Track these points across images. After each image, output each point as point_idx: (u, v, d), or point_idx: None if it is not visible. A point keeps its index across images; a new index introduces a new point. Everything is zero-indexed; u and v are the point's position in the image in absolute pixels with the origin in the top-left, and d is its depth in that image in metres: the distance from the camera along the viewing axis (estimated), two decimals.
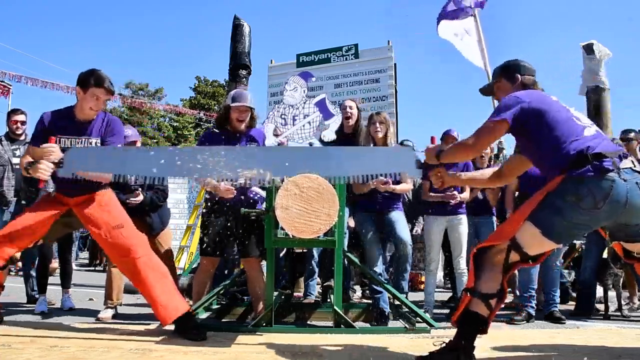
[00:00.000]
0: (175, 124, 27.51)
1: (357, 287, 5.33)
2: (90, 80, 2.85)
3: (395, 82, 8.44)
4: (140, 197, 3.72)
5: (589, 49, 7.03)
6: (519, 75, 2.43)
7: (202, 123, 25.55)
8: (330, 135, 3.33)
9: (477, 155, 2.30)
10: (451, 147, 2.46)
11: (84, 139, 2.94)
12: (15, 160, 4.45)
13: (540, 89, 2.43)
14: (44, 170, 2.64)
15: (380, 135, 3.63)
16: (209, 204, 3.41)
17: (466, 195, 3.97)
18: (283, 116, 3.33)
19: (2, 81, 13.03)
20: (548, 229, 2.07)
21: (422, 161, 2.53)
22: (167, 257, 3.74)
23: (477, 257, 2.22)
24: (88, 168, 2.74)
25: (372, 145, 3.65)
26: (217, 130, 3.42)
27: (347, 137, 3.93)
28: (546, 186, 2.15)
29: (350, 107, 3.88)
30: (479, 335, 2.19)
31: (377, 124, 3.63)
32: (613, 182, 1.97)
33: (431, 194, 3.93)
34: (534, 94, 2.29)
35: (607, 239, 2.35)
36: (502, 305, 2.27)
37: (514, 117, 2.19)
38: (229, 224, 3.27)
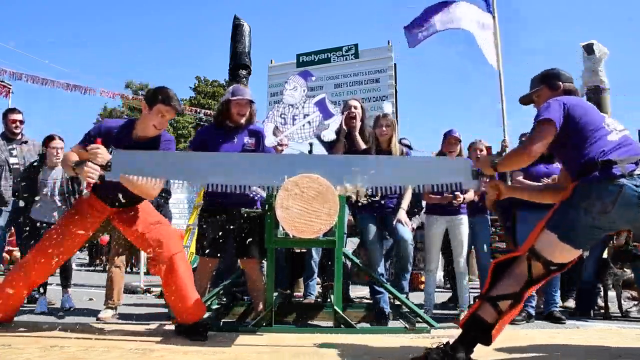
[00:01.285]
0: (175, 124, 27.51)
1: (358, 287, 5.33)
2: (158, 96, 2.75)
3: (395, 82, 8.44)
4: None
5: (589, 49, 7.03)
6: (561, 83, 2.44)
7: (202, 123, 25.52)
8: (330, 135, 3.31)
9: (532, 161, 2.30)
10: (506, 156, 2.49)
11: None
12: (13, 160, 4.43)
13: (580, 95, 2.48)
14: (91, 173, 2.50)
15: (386, 138, 3.64)
16: (206, 198, 3.40)
17: (470, 195, 3.95)
18: (283, 116, 3.31)
19: (2, 81, 12.96)
20: (564, 233, 2.09)
21: (478, 171, 2.47)
22: None
23: (497, 269, 2.22)
24: (137, 172, 2.60)
25: (375, 147, 3.65)
26: (215, 126, 3.40)
27: (351, 134, 3.91)
28: (563, 193, 2.17)
29: (355, 107, 3.88)
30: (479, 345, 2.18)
31: (384, 127, 3.64)
32: (622, 187, 1.99)
33: (431, 195, 3.92)
34: (573, 99, 2.31)
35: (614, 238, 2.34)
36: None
37: (559, 117, 2.19)
38: (226, 224, 3.25)
